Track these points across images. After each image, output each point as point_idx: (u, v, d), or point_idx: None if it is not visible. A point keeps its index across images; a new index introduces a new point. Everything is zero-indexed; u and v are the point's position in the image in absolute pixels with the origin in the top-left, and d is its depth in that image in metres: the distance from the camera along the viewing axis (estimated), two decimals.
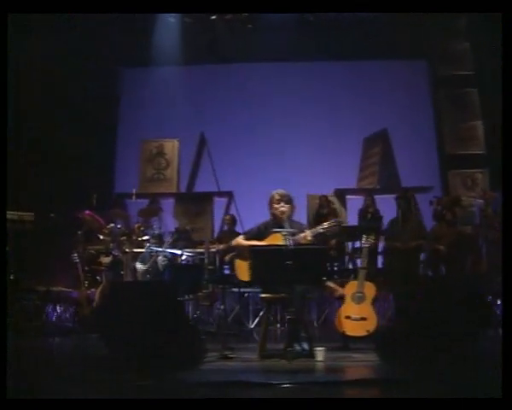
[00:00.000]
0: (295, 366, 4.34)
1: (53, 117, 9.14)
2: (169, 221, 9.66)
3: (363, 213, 9.70)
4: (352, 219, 10.45)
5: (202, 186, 11.24)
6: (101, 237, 7.76)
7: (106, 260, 7.87)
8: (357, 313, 5.32)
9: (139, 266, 7.03)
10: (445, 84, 11.00)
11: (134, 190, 8.63)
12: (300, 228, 5.25)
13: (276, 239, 5.13)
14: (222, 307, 6.85)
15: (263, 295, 5.08)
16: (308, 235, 5.06)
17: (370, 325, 5.25)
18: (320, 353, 4.62)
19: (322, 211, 9.60)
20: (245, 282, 5.24)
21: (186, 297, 6.80)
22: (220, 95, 11.18)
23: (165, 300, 4.28)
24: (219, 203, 11.14)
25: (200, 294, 7.21)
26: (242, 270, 5.14)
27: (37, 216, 6.84)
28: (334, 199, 10.98)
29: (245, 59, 11.13)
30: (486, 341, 4.59)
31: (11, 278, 6.26)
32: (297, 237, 5.05)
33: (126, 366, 4.05)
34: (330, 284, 5.79)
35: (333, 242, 8.67)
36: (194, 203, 10.92)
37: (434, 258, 8.60)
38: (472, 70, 10.64)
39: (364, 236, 5.71)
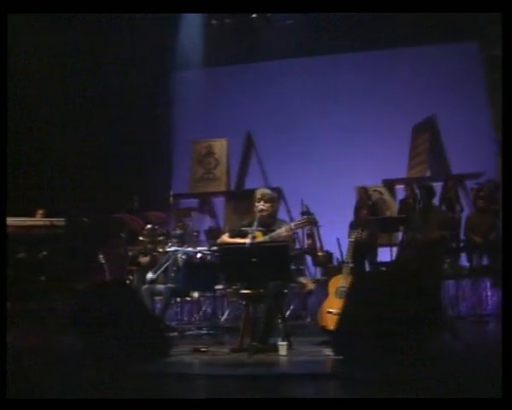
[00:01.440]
0: (254, 360, 4.51)
1: (95, 122, 9.71)
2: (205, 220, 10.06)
3: (402, 204, 9.55)
4: None
5: (251, 184, 11.50)
6: (141, 239, 8.28)
7: (144, 260, 8.36)
8: (339, 307, 5.34)
9: (149, 275, 7.25)
10: (498, 66, 10.48)
11: (171, 192, 9.00)
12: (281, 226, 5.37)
13: (257, 236, 5.31)
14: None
15: (242, 291, 5.27)
16: (283, 231, 5.19)
17: None
18: (282, 347, 4.74)
19: (361, 203, 9.52)
20: None
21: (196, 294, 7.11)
22: (263, 92, 11.40)
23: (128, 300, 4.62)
24: None
25: (229, 290, 7.51)
26: None
27: (70, 221, 7.36)
28: (383, 190, 10.90)
29: (286, 55, 11.24)
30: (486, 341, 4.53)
31: (42, 278, 6.86)
32: (273, 234, 5.20)
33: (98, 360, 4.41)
34: (302, 279, 5.86)
35: (364, 234, 8.65)
36: (244, 201, 11.13)
37: (468, 249, 8.37)
38: None
39: (352, 231, 5.72)
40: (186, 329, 7.20)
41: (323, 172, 11.02)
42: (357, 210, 8.91)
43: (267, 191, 5.57)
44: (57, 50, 9.02)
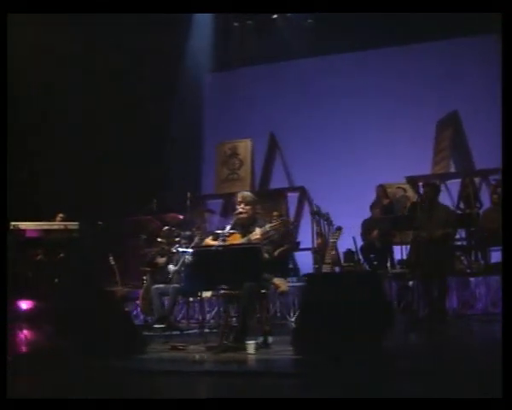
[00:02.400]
0: (219, 358, 4.73)
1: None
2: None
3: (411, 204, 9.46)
4: None
5: (276, 183, 11.67)
6: (159, 240, 8.62)
7: (161, 260, 8.70)
8: None
9: (170, 266, 7.68)
10: None
11: (188, 194, 9.25)
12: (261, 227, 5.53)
13: (236, 238, 5.51)
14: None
15: (221, 292, 5.47)
16: (258, 233, 5.35)
17: None
18: (251, 346, 4.91)
19: (375, 202, 9.51)
20: None
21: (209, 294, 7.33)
22: (287, 92, 11.54)
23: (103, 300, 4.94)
24: (293, 199, 11.43)
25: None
26: None
27: (84, 224, 7.76)
28: (407, 187, 10.82)
29: (307, 54, 11.34)
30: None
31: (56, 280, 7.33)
32: (250, 236, 5.37)
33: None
34: (275, 280, 5.97)
35: (375, 233, 8.68)
36: (269, 200, 11.29)
37: (481, 245, 8.27)
38: None
39: (335, 231, 5.81)
40: (191, 328, 7.46)
41: (347, 171, 11.06)
42: (370, 209, 8.92)
43: (247, 194, 5.73)
44: (86, 49, 9.46)
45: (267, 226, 5.40)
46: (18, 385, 3.54)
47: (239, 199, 5.65)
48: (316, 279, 4.89)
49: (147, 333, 6.58)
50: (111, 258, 7.67)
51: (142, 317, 8.08)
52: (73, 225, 7.63)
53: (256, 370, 4.21)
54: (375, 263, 8.76)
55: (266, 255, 5.40)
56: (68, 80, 9.01)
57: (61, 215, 7.98)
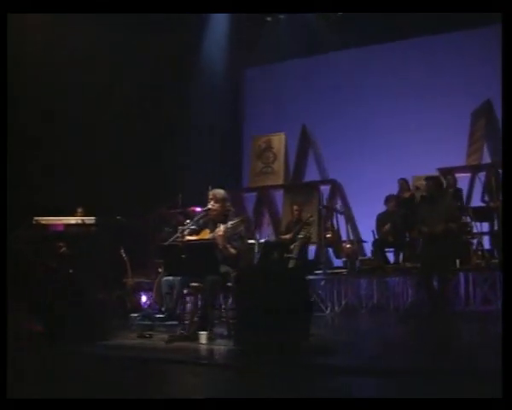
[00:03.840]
0: (173, 346, 5.05)
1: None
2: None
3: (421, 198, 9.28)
4: None
5: (309, 176, 11.76)
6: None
7: None
8: None
9: None
10: None
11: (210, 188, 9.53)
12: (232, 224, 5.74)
13: (205, 234, 5.78)
14: None
15: (191, 284, 5.74)
16: (221, 230, 5.57)
17: None
18: (202, 336, 5.15)
19: (398, 195, 9.42)
20: None
21: None
22: (319, 85, 11.62)
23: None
24: (325, 191, 11.48)
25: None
26: None
27: (101, 219, 8.22)
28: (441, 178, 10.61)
29: (338, 47, 11.34)
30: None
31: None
32: (215, 232, 5.61)
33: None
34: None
35: (386, 227, 8.62)
36: (302, 193, 11.42)
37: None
38: None
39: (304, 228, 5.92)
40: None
41: (379, 163, 10.99)
42: (385, 202, 8.87)
43: (217, 191, 5.91)
44: (114, 49, 9.78)
45: (228, 224, 5.61)
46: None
47: (210, 196, 5.87)
48: (248, 274, 5.05)
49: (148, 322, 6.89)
50: (122, 251, 8.10)
51: (157, 307, 8.48)
52: (90, 219, 8.14)
53: (181, 359, 4.46)
54: (389, 257, 8.74)
55: (232, 250, 5.62)
56: (94, 81, 9.44)
57: (80, 210, 8.53)
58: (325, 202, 11.20)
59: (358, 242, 9.26)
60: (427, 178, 7.62)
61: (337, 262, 9.37)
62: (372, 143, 11.14)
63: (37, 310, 5.44)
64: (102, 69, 9.58)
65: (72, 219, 8.11)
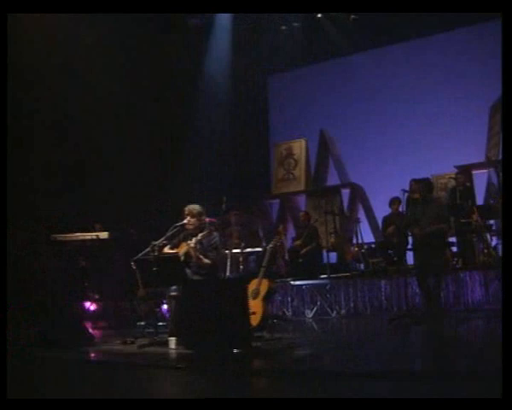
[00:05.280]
0: (142, 351, 5.44)
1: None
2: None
3: (449, 193, 9.24)
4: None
5: (331, 180, 11.89)
6: None
7: None
8: (251, 307, 5.89)
9: None
10: None
11: (224, 198, 9.83)
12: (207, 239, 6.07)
13: (182, 247, 6.13)
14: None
15: (170, 294, 6.08)
16: (193, 242, 5.91)
17: (255, 319, 5.67)
18: (172, 341, 5.51)
19: (412, 196, 9.40)
20: None
21: None
22: (336, 89, 11.75)
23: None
24: (345, 195, 11.58)
25: None
26: None
27: (114, 234, 8.68)
28: (459, 176, 10.50)
29: (354, 50, 11.42)
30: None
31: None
32: (188, 245, 5.96)
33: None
34: None
35: (390, 229, 8.68)
36: (323, 197, 11.56)
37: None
38: None
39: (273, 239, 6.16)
40: None
41: (399, 163, 11.00)
42: (390, 204, 8.93)
43: (192, 207, 6.21)
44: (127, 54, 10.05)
45: (199, 236, 5.94)
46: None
47: (186, 212, 6.19)
48: (189, 285, 5.41)
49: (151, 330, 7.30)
50: (132, 263, 8.55)
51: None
52: (104, 234, 8.66)
53: (141, 363, 4.85)
54: (395, 259, 8.77)
55: (206, 260, 5.95)
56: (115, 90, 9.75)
57: (98, 225, 9.07)
58: (346, 206, 11.37)
59: (364, 245, 9.32)
60: (418, 181, 7.62)
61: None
62: (390, 143, 11.15)
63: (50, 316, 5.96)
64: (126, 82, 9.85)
65: (88, 235, 8.65)
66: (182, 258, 5.87)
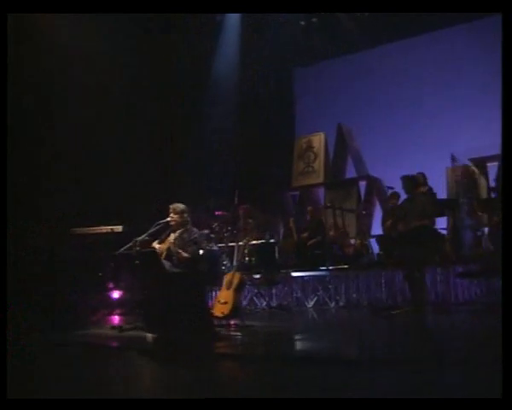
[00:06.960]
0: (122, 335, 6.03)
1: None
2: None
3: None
4: None
5: (350, 173, 12.07)
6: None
7: None
8: (223, 297, 6.30)
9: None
10: None
11: (236, 192, 10.15)
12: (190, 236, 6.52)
13: (167, 243, 6.61)
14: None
15: None
16: (171, 238, 6.38)
17: (227, 308, 6.16)
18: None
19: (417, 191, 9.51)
20: None
21: None
22: (353, 84, 11.92)
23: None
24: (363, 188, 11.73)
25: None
26: None
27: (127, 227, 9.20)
28: (474, 169, 10.54)
29: (371, 45, 11.55)
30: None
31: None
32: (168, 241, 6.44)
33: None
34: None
35: (388, 223, 8.84)
36: (341, 190, 11.78)
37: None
38: None
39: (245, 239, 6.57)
40: None
41: (415, 157, 11.07)
42: (388, 199, 9.10)
43: (176, 205, 6.60)
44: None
45: (177, 232, 6.40)
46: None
47: (170, 210, 6.64)
48: (157, 277, 5.87)
49: None
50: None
51: None
52: (118, 228, 9.25)
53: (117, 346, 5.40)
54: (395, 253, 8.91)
55: (185, 255, 6.39)
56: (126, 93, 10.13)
57: (114, 220, 9.65)
58: (363, 198, 11.54)
59: (366, 238, 9.52)
60: (403, 178, 7.76)
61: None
62: (407, 136, 11.26)
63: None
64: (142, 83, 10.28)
65: (104, 229, 9.29)
66: (164, 252, 6.38)
